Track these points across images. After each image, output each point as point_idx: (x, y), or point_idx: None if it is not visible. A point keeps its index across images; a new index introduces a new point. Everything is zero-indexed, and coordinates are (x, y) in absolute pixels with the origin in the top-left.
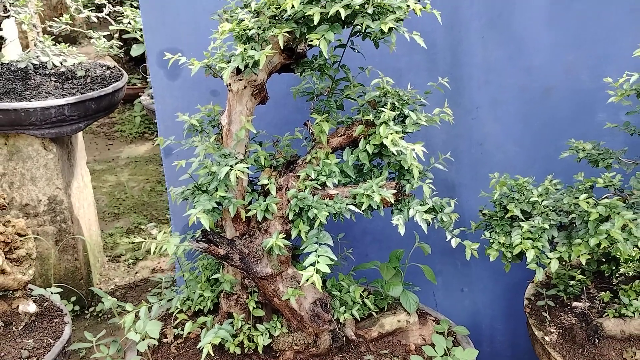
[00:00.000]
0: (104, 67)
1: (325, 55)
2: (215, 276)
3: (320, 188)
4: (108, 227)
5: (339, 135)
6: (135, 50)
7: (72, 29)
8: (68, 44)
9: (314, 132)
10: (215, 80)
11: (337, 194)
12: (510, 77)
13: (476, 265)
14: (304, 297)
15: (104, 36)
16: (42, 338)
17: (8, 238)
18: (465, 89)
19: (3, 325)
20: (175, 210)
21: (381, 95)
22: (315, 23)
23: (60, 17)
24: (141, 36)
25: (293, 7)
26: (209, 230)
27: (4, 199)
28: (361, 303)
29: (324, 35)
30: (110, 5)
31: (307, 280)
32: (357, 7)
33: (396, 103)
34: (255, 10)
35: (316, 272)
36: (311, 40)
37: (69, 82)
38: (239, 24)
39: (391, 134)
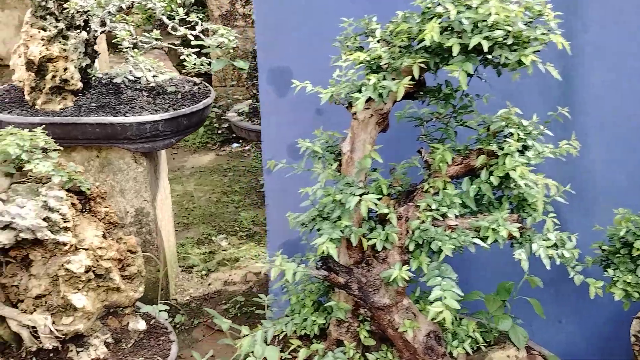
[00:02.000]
0: (190, 83)
1: (463, 87)
2: (330, 303)
3: (440, 219)
4: (179, 237)
5: (455, 164)
6: (216, 66)
7: (163, 44)
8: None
9: (428, 160)
10: (320, 101)
11: (457, 225)
12: (621, 103)
13: (576, 296)
14: (417, 329)
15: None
16: (152, 357)
17: (121, 255)
18: (575, 114)
19: (113, 342)
20: (272, 230)
21: (504, 125)
22: (455, 54)
23: (151, 32)
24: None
25: (432, 38)
26: (329, 258)
27: (117, 215)
28: (472, 337)
29: (462, 66)
30: (202, 23)
31: (435, 315)
32: (500, 38)
33: (520, 134)
34: (383, 39)
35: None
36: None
37: (160, 97)
38: (369, 54)
39: (517, 165)
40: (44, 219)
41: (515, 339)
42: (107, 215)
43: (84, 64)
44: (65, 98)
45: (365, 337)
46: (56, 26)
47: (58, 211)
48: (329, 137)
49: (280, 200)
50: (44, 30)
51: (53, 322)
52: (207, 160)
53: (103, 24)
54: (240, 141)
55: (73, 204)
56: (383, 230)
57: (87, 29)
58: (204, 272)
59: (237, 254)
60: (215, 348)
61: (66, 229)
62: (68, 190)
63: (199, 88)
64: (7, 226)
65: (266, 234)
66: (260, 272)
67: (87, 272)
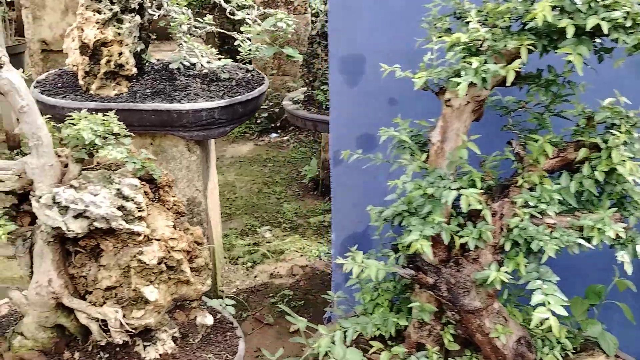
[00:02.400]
0: (243, 70)
1: (579, 72)
2: (414, 304)
3: (539, 216)
4: (222, 227)
5: (551, 157)
6: (267, 52)
7: (217, 30)
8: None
9: (520, 152)
10: (395, 89)
11: (556, 224)
12: None
13: None
14: (508, 335)
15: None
16: (220, 353)
17: (190, 247)
18: None
19: (180, 337)
20: (337, 223)
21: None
22: (569, 36)
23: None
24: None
25: (544, 18)
26: (418, 256)
27: (183, 205)
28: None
29: (576, 50)
30: (260, 7)
31: (540, 322)
32: (620, 19)
33: (625, 125)
34: (482, 20)
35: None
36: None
37: (214, 84)
38: (469, 35)
39: (624, 160)
40: (118, 208)
41: (605, 345)
42: (174, 205)
43: (138, 49)
44: (119, 83)
45: (449, 341)
46: (111, 9)
47: (133, 200)
48: (411, 127)
49: (346, 194)
50: (99, 13)
51: (124, 316)
52: (246, 150)
53: (159, 6)
54: (279, 131)
55: (145, 193)
56: (474, 227)
57: (142, 12)
58: (249, 264)
59: (282, 247)
60: (264, 343)
61: (140, 218)
62: (139, 179)
63: (252, 75)
64: (80, 214)
65: (330, 227)
66: (307, 266)
67: (159, 263)
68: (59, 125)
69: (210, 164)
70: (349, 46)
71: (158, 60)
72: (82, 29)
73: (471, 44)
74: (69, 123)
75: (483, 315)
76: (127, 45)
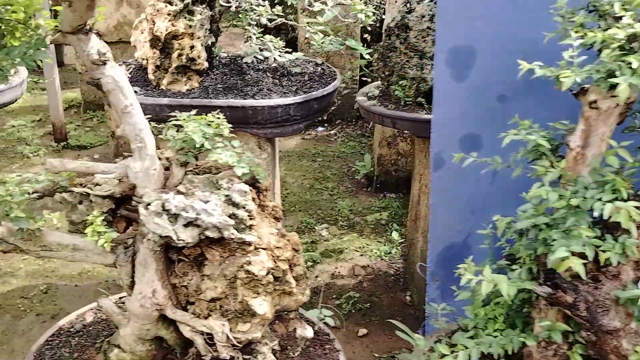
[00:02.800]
0: (312, 63)
1: None
2: (543, 324)
3: None
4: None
5: None
6: (331, 46)
7: (284, 20)
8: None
9: None
10: (505, 85)
11: None
12: None
13: None
14: None
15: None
16: None
17: (290, 255)
18: None
19: (280, 349)
20: (435, 230)
21: None
22: None
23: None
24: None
25: None
26: (556, 273)
27: (280, 209)
28: None
29: None
30: None
31: None
32: None
33: None
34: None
35: None
36: None
37: (286, 79)
38: (624, 31)
39: None
40: (229, 216)
41: None
42: (273, 210)
43: (209, 42)
44: (190, 78)
45: None
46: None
47: (244, 207)
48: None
49: (446, 200)
50: (170, 4)
51: (229, 329)
52: (293, 145)
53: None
54: (326, 125)
55: (252, 199)
56: (615, 241)
57: (212, 3)
58: (309, 264)
59: (341, 245)
60: (351, 351)
61: (250, 227)
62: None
63: (323, 69)
64: (190, 223)
65: (428, 233)
66: (368, 266)
67: (267, 274)
68: (159, 126)
69: (276, 162)
70: (457, 37)
71: (225, 53)
72: (154, 21)
73: (625, 42)
74: (174, 124)
75: (621, 335)
76: (198, 38)
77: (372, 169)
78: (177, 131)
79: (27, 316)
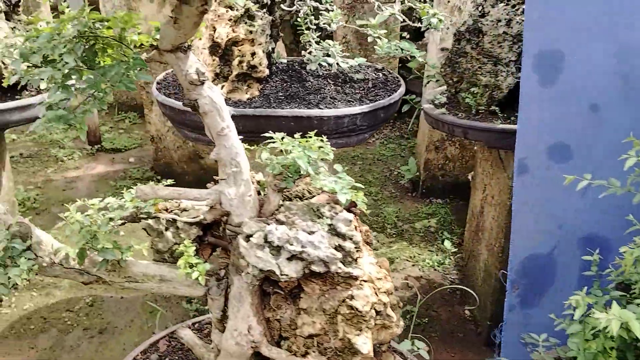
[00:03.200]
0: (371, 68)
1: None
2: None
3: None
4: None
5: None
6: (384, 49)
7: (344, 24)
8: None
9: None
10: (598, 92)
11: None
12: None
13: None
14: None
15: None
16: None
17: (390, 286)
18: None
19: None
20: (517, 240)
21: None
22: None
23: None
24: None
25: None
26: None
27: (371, 234)
28: None
29: None
30: (406, 1)
31: None
32: None
33: None
34: None
35: None
36: None
37: (348, 85)
38: None
39: None
40: (335, 248)
41: None
42: (366, 234)
43: (269, 48)
44: (250, 86)
45: None
46: (244, 4)
47: (350, 239)
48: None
49: (530, 209)
50: (231, 9)
51: None
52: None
53: (291, 3)
54: None
55: (355, 227)
56: None
57: (272, 8)
58: None
59: (390, 254)
60: None
61: (356, 259)
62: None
63: (384, 75)
64: (294, 256)
65: (510, 240)
66: (421, 277)
67: (370, 309)
68: (251, 147)
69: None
70: (544, 42)
71: (282, 59)
72: (214, 27)
73: None
74: (271, 146)
75: None
76: (259, 44)
77: (417, 173)
78: (272, 154)
79: (74, 331)
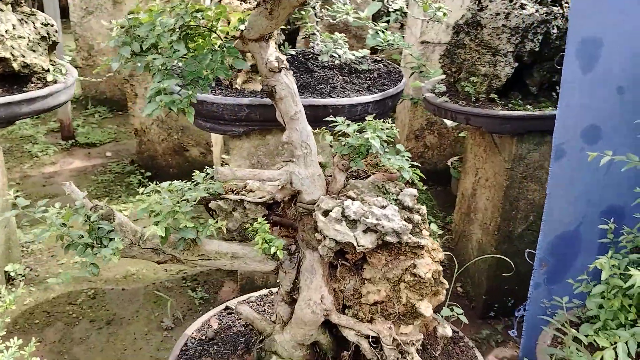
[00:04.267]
0: (370, 60)
1: None
2: None
3: None
4: None
5: None
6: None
7: (346, 16)
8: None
9: None
10: (624, 76)
11: None
12: None
13: None
14: None
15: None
16: None
17: (442, 256)
18: None
19: (421, 348)
20: (550, 220)
21: None
22: None
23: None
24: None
25: None
26: None
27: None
28: None
29: None
30: None
31: None
32: None
33: None
34: None
35: None
36: None
37: (355, 76)
38: None
39: None
40: (405, 221)
41: None
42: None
43: (280, 40)
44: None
45: None
46: None
47: (417, 212)
48: None
49: (563, 190)
50: (244, 1)
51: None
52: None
53: None
54: None
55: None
56: None
57: None
58: None
59: None
60: None
61: (422, 230)
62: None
63: (385, 66)
64: (368, 228)
65: (542, 222)
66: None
67: (431, 276)
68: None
69: None
70: (587, 29)
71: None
72: (229, 20)
73: None
74: (338, 129)
75: None
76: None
77: None
78: (342, 136)
79: (81, 323)
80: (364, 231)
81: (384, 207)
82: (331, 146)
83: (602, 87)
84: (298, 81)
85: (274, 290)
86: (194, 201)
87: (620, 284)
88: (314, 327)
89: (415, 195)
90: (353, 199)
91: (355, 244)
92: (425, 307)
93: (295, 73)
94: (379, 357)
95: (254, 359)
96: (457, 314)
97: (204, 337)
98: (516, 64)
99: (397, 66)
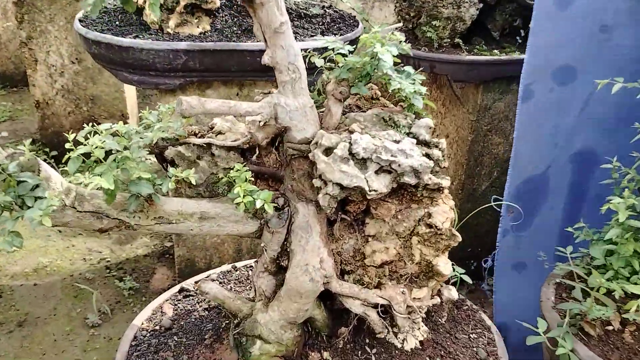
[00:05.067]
0: (318, 7)
1: None
2: None
3: None
4: None
5: None
6: None
7: None
8: None
9: None
10: (607, 14)
11: None
12: None
13: None
14: None
15: None
16: (478, 332)
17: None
18: None
19: (425, 316)
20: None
21: None
22: None
23: None
24: None
25: None
26: None
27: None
28: None
29: None
30: None
31: None
32: None
33: None
34: None
35: None
36: None
37: (305, 20)
38: None
39: None
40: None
41: None
42: None
43: None
44: (200, 20)
45: None
46: None
47: (437, 146)
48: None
49: (530, 133)
50: None
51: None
52: None
53: None
54: None
55: None
56: None
57: None
58: None
59: None
60: None
61: (443, 169)
62: None
63: (335, 11)
64: (381, 168)
65: (509, 167)
66: None
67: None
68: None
69: None
70: None
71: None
72: None
73: None
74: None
75: None
76: None
77: None
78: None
79: None
80: (376, 172)
81: (398, 142)
82: (321, 72)
83: (583, 25)
84: (241, 25)
85: (239, 264)
86: (150, 145)
87: (638, 224)
88: (310, 300)
89: (431, 127)
90: (360, 132)
91: (367, 189)
92: (444, 264)
93: (236, 16)
94: (390, 329)
95: (231, 347)
96: (459, 274)
97: (158, 328)
98: (481, 5)
99: (350, 13)
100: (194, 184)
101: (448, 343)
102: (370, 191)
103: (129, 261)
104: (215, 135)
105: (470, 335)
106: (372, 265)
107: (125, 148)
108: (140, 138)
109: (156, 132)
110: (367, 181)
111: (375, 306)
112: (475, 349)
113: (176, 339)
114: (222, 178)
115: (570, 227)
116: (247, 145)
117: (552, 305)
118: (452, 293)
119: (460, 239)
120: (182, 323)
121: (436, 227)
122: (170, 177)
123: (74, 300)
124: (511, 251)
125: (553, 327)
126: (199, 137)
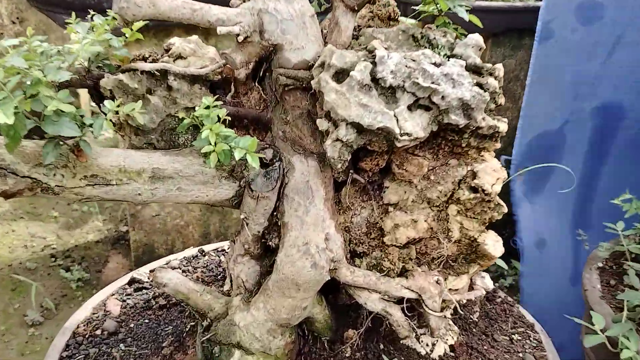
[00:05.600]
0: None
1: None
2: None
3: None
4: None
5: None
6: None
7: None
8: None
9: None
10: None
11: None
12: None
13: None
14: None
15: None
16: (521, 331)
17: None
18: None
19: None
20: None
21: None
22: None
23: None
24: None
25: None
26: None
27: None
28: None
29: None
30: None
31: None
32: None
33: None
34: None
35: None
36: None
37: None
38: None
39: None
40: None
41: None
42: None
43: None
44: None
45: None
46: None
47: (491, 73)
48: None
49: (548, 78)
50: None
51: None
52: None
53: None
54: None
55: None
56: None
57: None
58: None
59: None
60: None
61: (499, 106)
62: None
63: None
64: (416, 102)
65: (519, 119)
66: None
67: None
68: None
69: None
70: None
71: None
72: None
73: None
74: None
75: None
76: None
77: None
78: None
79: None
80: (410, 107)
81: (438, 66)
82: None
83: None
84: None
85: (207, 247)
86: (75, 69)
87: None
88: (311, 293)
89: (482, 47)
90: (384, 51)
91: (397, 132)
92: (494, 243)
93: None
94: (416, 331)
95: (199, 359)
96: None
97: (99, 332)
98: None
99: None
100: (143, 127)
101: (485, 347)
102: (401, 135)
103: (78, 248)
104: (174, 61)
105: (512, 336)
106: (394, 245)
107: (40, 70)
108: (65, 58)
109: (85, 46)
110: (397, 120)
111: (399, 301)
112: (520, 354)
113: (123, 348)
114: (183, 120)
115: (614, 198)
116: (219, 77)
117: (601, 295)
118: (486, 282)
119: (506, 209)
120: (131, 325)
121: (483, 190)
122: (106, 114)
123: (11, 294)
124: (530, 223)
125: (607, 322)
126: (151, 62)
